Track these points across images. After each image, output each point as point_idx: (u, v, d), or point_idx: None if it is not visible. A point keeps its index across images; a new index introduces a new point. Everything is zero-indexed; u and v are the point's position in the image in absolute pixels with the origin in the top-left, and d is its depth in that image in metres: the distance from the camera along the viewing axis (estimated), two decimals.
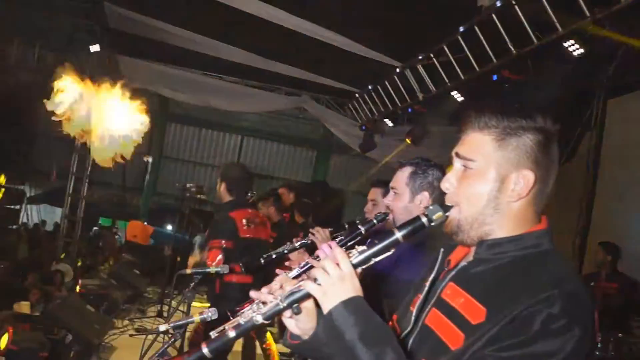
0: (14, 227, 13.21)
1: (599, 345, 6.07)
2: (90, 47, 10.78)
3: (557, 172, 1.65)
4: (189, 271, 4.33)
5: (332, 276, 1.60)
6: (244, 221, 5.16)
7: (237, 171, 5.43)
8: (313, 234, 3.53)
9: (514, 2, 7.13)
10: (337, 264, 1.62)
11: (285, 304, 1.65)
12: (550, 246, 1.61)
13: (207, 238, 5.24)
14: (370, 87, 12.03)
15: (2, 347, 5.19)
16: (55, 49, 12.41)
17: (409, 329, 1.71)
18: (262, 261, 3.71)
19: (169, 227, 15.28)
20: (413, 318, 1.72)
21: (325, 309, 1.60)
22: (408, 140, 11.78)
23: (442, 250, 1.83)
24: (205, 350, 1.65)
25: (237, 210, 5.19)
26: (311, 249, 3.36)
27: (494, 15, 7.51)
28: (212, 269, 4.32)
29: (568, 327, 1.38)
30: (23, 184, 13.71)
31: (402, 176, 2.86)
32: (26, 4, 11.06)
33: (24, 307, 6.97)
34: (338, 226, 3.57)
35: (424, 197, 2.79)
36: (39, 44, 11.78)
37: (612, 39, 6.85)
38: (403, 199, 2.82)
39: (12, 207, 13.13)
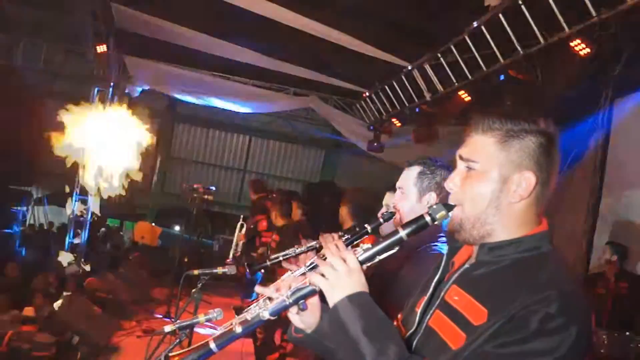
0: (21, 228, 13.25)
1: (605, 343, 6.08)
2: (97, 47, 10.80)
3: (557, 174, 1.68)
4: (196, 272, 4.33)
5: (339, 271, 1.65)
6: None
7: (362, 197, 5.46)
8: (322, 238, 3.52)
9: (520, 2, 7.11)
10: (344, 260, 1.66)
11: (291, 300, 1.71)
12: (549, 248, 1.63)
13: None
14: (378, 87, 12.02)
15: None
16: (62, 50, 12.47)
17: (413, 329, 1.74)
18: (269, 263, 3.71)
19: (177, 228, 15.30)
20: (417, 319, 1.74)
21: (331, 303, 1.64)
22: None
23: (446, 252, 1.84)
24: (212, 345, 1.69)
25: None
26: (319, 251, 3.36)
27: (500, 15, 7.49)
28: (220, 271, 4.31)
29: (565, 326, 1.42)
30: (30, 185, 13.75)
31: (410, 176, 2.83)
32: (33, 4, 11.11)
33: (29, 309, 6.99)
34: (348, 229, 3.56)
35: (432, 198, 2.76)
36: (46, 44, 11.82)
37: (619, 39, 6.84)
38: (410, 199, 2.80)
39: (19, 208, 13.17)
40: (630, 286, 6.99)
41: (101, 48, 10.82)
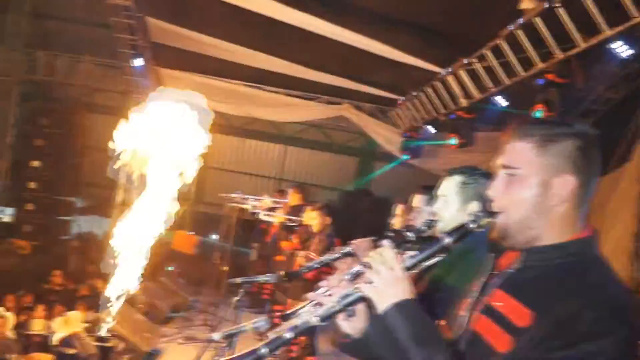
0: (65, 237, 13.53)
1: None
2: (134, 60, 11.02)
3: (598, 176, 1.69)
4: (238, 281, 4.36)
5: (386, 279, 1.67)
6: None
7: None
8: (354, 244, 3.54)
9: (557, 5, 7.00)
10: (391, 268, 1.67)
11: (340, 306, 1.72)
12: (595, 253, 1.64)
13: None
14: (412, 94, 11.97)
15: None
16: (101, 64, 12.72)
17: (458, 334, 1.76)
18: (305, 271, 3.75)
19: (214, 237, 15.39)
20: (462, 324, 1.76)
21: (380, 310, 1.66)
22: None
23: (491, 256, 1.85)
24: (263, 350, 1.71)
25: None
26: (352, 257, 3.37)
27: (537, 18, 7.39)
28: (262, 279, 4.34)
29: (611, 329, 1.43)
30: (73, 195, 14.04)
31: (451, 185, 2.84)
32: (71, 19, 11.36)
33: (75, 315, 7.13)
34: (381, 234, 3.57)
35: (474, 206, 2.77)
36: (85, 58, 12.07)
37: None
38: (452, 208, 2.80)
39: (63, 218, 13.47)
40: None
41: (138, 62, 11.03)
